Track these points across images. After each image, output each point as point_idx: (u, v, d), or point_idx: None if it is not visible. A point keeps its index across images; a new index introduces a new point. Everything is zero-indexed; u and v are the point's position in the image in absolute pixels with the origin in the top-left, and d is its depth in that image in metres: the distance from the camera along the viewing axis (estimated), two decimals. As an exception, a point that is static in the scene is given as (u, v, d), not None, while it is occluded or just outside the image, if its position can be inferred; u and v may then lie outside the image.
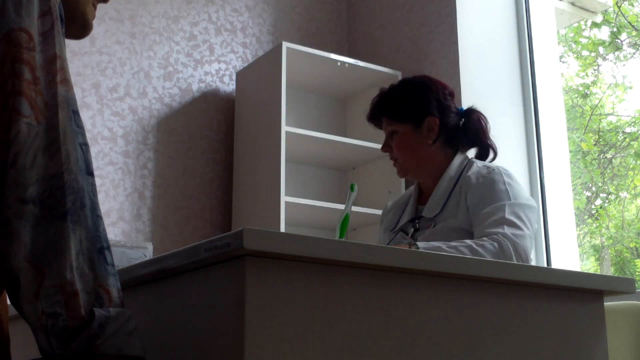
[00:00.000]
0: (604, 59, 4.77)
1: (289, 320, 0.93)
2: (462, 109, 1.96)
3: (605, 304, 1.28)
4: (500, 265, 1.20)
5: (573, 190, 3.82)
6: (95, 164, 3.02)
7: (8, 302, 1.05)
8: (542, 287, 1.19)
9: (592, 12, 4.23)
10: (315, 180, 3.42)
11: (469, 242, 1.62)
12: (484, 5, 3.24)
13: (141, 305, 1.16)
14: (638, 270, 4.65)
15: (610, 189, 4.70)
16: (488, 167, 1.83)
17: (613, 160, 4.67)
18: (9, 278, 0.89)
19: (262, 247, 0.91)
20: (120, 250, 1.69)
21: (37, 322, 0.87)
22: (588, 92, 4.85)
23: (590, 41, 4.70)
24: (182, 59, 3.33)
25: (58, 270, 0.88)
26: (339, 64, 3.23)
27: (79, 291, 0.88)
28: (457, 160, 1.89)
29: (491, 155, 1.95)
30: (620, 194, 4.71)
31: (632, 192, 4.66)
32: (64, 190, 0.91)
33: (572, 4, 4.07)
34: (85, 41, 3.10)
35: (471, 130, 1.93)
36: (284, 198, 2.87)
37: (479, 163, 1.87)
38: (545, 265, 2.96)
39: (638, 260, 4.68)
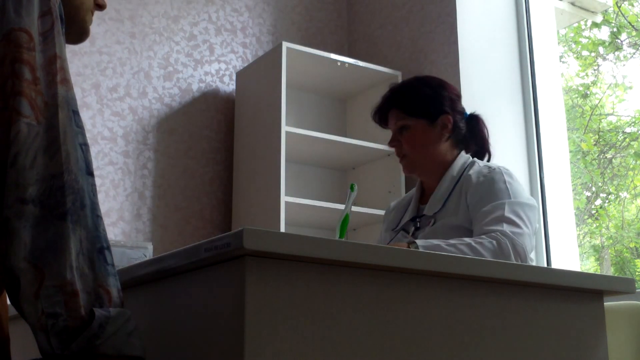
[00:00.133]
0: (604, 59, 4.77)
1: (289, 320, 0.93)
2: (466, 113, 1.99)
3: (605, 304, 1.28)
4: (500, 265, 1.20)
5: (573, 190, 3.82)
6: (95, 164, 3.02)
7: (8, 302, 1.05)
8: (542, 287, 1.20)
9: (592, 12, 4.23)
10: (315, 180, 3.42)
11: (467, 240, 1.62)
12: (484, 5, 3.24)
13: (141, 305, 1.16)
14: (638, 270, 4.65)
15: (610, 189, 4.70)
16: (489, 167, 1.84)
17: (613, 160, 4.67)
18: (9, 278, 0.89)
19: (262, 247, 0.91)
20: (120, 250, 1.69)
21: (37, 322, 0.87)
22: (588, 92, 4.85)
23: (590, 41, 4.70)
24: (182, 59, 3.33)
25: (58, 270, 0.88)
26: (339, 64, 3.23)
27: (79, 291, 0.88)
28: (460, 160, 1.90)
29: (486, 158, 1.97)
30: (620, 194, 4.71)
31: (632, 192, 4.66)
32: (64, 190, 0.91)
33: (572, 4, 4.07)
34: (85, 41, 3.09)
35: (477, 135, 1.97)
36: (284, 198, 2.87)
37: (480, 163, 1.88)
38: (545, 265, 2.96)
39: (638, 260, 4.68)
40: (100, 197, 3.00)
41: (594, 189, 4.76)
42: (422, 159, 1.90)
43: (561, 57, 4.62)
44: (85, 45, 3.10)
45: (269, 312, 0.92)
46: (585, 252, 4.73)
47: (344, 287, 0.99)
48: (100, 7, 1.20)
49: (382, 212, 2.15)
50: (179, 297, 1.07)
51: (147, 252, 1.73)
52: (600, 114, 4.80)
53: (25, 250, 0.87)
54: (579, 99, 4.86)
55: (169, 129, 3.23)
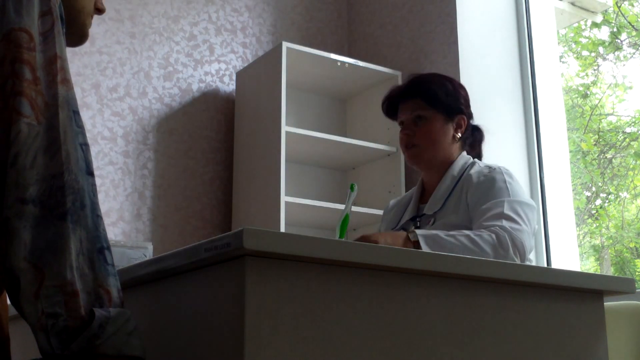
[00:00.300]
0: (604, 59, 4.77)
1: (289, 320, 0.93)
2: (472, 121, 2.02)
3: (605, 304, 1.28)
4: (500, 265, 1.20)
5: (573, 190, 3.82)
6: (95, 164, 3.02)
7: (8, 302, 1.05)
8: (542, 287, 1.20)
9: (592, 12, 4.23)
10: (315, 180, 3.42)
11: (466, 232, 1.63)
12: (484, 5, 3.24)
13: (141, 305, 1.16)
14: (638, 270, 4.65)
15: (610, 189, 4.70)
16: (490, 167, 1.86)
17: (613, 160, 4.67)
18: (9, 278, 0.88)
19: (262, 247, 0.91)
20: (120, 250, 1.69)
21: (37, 322, 0.87)
22: (588, 92, 4.85)
23: (590, 41, 4.70)
24: (182, 59, 3.33)
25: (58, 270, 0.88)
26: (339, 64, 3.23)
27: (79, 291, 0.88)
28: (461, 160, 1.91)
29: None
30: (620, 194, 4.71)
31: (632, 192, 4.66)
32: (64, 190, 0.91)
33: (572, 4, 4.07)
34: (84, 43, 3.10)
35: (475, 148, 2.01)
36: (284, 198, 2.87)
37: (480, 163, 1.90)
38: (545, 265, 2.96)
39: (638, 260, 4.68)
40: (100, 197, 3.00)
41: (594, 189, 4.76)
42: (431, 152, 1.90)
43: (561, 57, 4.62)
44: (85, 45, 3.09)
45: (269, 312, 0.92)
46: (585, 252, 4.73)
47: (344, 287, 0.99)
48: (100, 11, 1.20)
49: (382, 212, 2.15)
50: (179, 297, 1.07)
51: (147, 252, 1.73)
52: (600, 114, 4.80)
53: (25, 250, 0.87)
54: (579, 99, 4.86)
55: (169, 129, 3.23)
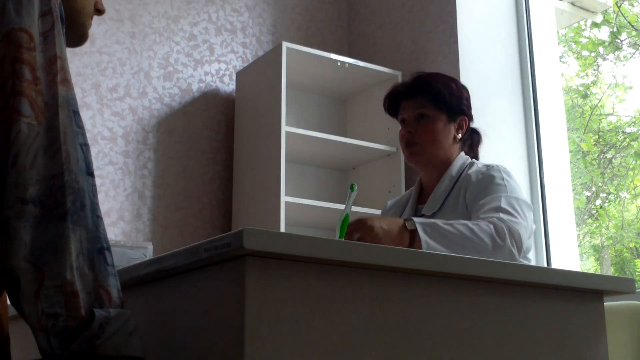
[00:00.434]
0: (604, 59, 4.77)
1: (289, 320, 0.93)
2: (472, 123, 2.03)
3: (605, 304, 1.28)
4: (500, 265, 1.20)
5: (573, 190, 3.82)
6: (95, 164, 3.02)
7: (8, 302, 1.05)
8: (542, 287, 1.19)
9: (592, 12, 4.23)
10: (315, 180, 3.42)
11: (464, 221, 1.63)
12: (484, 5, 3.24)
13: (141, 305, 1.16)
14: (638, 270, 4.65)
15: (610, 189, 4.70)
16: (488, 165, 1.86)
17: (613, 160, 4.67)
18: (9, 278, 0.88)
19: (262, 247, 0.91)
20: (120, 250, 1.69)
21: (37, 322, 0.87)
22: (588, 92, 4.85)
23: (590, 41, 4.70)
24: (182, 59, 3.33)
25: (58, 270, 0.88)
26: (339, 64, 3.23)
27: (79, 291, 0.88)
28: (460, 160, 1.92)
29: None
30: (620, 194, 4.71)
31: (632, 192, 4.66)
32: (64, 190, 0.91)
33: (572, 4, 4.07)
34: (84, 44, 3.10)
35: (472, 150, 2.01)
36: (284, 198, 2.87)
37: (479, 163, 1.90)
38: (545, 265, 2.96)
39: (638, 260, 4.68)
40: (100, 197, 3.00)
41: (594, 189, 4.76)
42: (432, 151, 1.90)
43: (561, 57, 4.62)
44: (85, 45, 3.09)
45: (269, 312, 0.92)
46: (585, 252, 4.73)
47: (344, 287, 0.99)
48: (100, 12, 1.21)
49: (381, 212, 2.15)
50: (179, 297, 1.07)
51: (147, 252, 1.73)
52: (600, 114, 4.80)
53: (25, 250, 0.87)
54: (579, 99, 4.86)
55: (169, 129, 3.23)
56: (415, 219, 1.59)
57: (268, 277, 0.93)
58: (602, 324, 1.26)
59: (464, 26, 3.15)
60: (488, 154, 2.98)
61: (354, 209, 2.92)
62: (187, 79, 3.32)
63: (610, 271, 4.68)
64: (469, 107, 1.97)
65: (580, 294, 1.24)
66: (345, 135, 3.43)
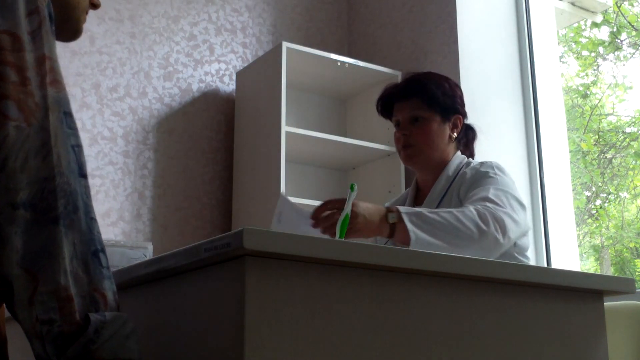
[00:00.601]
0: (604, 59, 4.77)
1: (289, 320, 0.93)
2: (466, 120, 2.02)
3: (605, 304, 1.28)
4: (500, 265, 1.20)
5: (573, 190, 3.82)
6: (95, 164, 3.03)
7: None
8: (542, 287, 1.19)
9: (592, 12, 4.23)
10: (315, 180, 3.42)
11: (449, 209, 1.62)
12: (484, 5, 3.24)
13: (141, 305, 1.16)
14: (638, 270, 4.65)
15: (610, 189, 4.70)
16: (481, 163, 1.87)
17: (613, 160, 4.67)
18: (3, 284, 0.87)
19: (262, 247, 0.91)
20: (120, 250, 1.69)
21: (31, 329, 0.86)
22: (588, 92, 4.85)
23: (590, 41, 4.70)
24: (182, 59, 3.33)
25: (52, 275, 0.86)
26: (339, 64, 3.23)
27: (74, 296, 0.87)
28: (456, 160, 1.92)
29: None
30: (620, 194, 4.71)
31: (632, 192, 4.66)
32: (55, 193, 0.89)
33: (572, 4, 4.07)
34: (85, 41, 3.10)
35: (468, 147, 2.01)
36: (284, 198, 2.87)
37: (474, 162, 1.90)
38: (545, 265, 2.96)
39: (638, 260, 4.68)
40: (100, 197, 3.00)
41: (594, 189, 4.77)
42: (428, 153, 1.90)
43: (561, 57, 4.62)
44: (85, 45, 3.10)
45: (269, 312, 0.92)
46: (585, 252, 4.73)
47: (344, 287, 0.99)
48: (95, 6, 1.19)
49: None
50: (179, 297, 1.07)
51: (147, 252, 1.72)
52: (600, 114, 4.80)
53: (17, 255, 0.86)
54: (579, 99, 4.86)
55: (169, 129, 3.23)
56: (402, 209, 1.58)
57: (268, 277, 0.93)
58: (602, 324, 1.26)
59: (464, 26, 3.15)
60: (488, 154, 2.98)
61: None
62: (187, 79, 3.33)
63: (610, 271, 4.68)
64: (463, 105, 1.96)
65: (580, 294, 1.24)
66: (345, 135, 3.43)
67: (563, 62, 4.74)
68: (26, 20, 0.93)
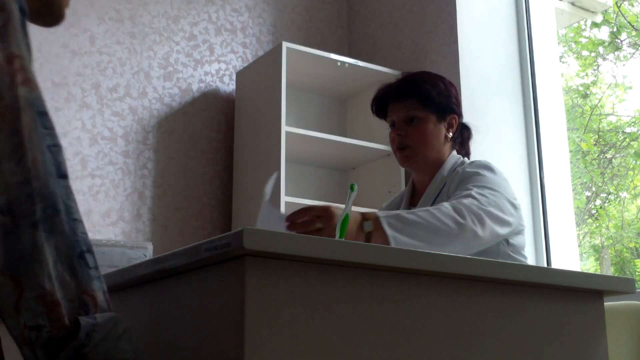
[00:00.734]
0: (604, 59, 4.77)
1: (289, 320, 0.93)
2: (462, 119, 2.00)
3: (605, 304, 1.28)
4: (500, 265, 1.20)
5: (573, 190, 3.82)
6: (95, 164, 3.03)
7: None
8: (542, 287, 1.19)
9: (592, 12, 4.23)
10: (315, 180, 3.42)
11: (426, 207, 1.61)
12: (484, 5, 3.24)
13: (141, 305, 1.16)
14: (638, 270, 4.65)
15: (610, 189, 4.70)
16: (471, 162, 1.86)
17: (613, 160, 4.67)
18: None
19: (262, 247, 0.91)
20: (120, 250, 1.69)
21: (20, 335, 0.85)
22: (588, 92, 4.85)
23: (590, 41, 4.70)
24: (182, 59, 3.33)
25: (36, 280, 0.85)
26: (339, 64, 3.23)
27: (60, 300, 0.86)
28: (451, 160, 1.91)
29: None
30: (620, 194, 4.71)
31: (632, 192, 4.66)
32: (33, 197, 0.87)
33: (572, 4, 4.07)
34: (85, 41, 3.10)
35: (464, 146, 1.99)
36: (284, 198, 2.87)
37: (467, 162, 1.89)
38: (545, 265, 2.96)
39: (638, 260, 4.68)
40: (100, 197, 3.00)
41: (594, 189, 4.76)
42: (424, 153, 1.89)
43: (561, 57, 4.62)
44: (85, 45, 3.10)
45: (269, 312, 0.92)
46: (585, 252, 4.73)
47: (344, 287, 0.99)
48: None
49: (382, 212, 2.15)
50: (179, 297, 1.07)
51: (147, 252, 1.72)
52: (600, 114, 4.80)
53: (0, 262, 0.84)
54: (579, 99, 4.86)
55: (169, 129, 3.23)
56: (380, 213, 1.57)
57: (268, 277, 0.93)
58: (602, 324, 1.26)
59: (464, 26, 3.15)
60: (489, 154, 2.98)
61: (354, 209, 2.92)
62: (187, 79, 3.33)
63: (610, 271, 4.68)
64: (458, 105, 1.95)
65: (580, 294, 1.24)
66: (345, 135, 3.43)
67: (563, 62, 4.74)
68: None
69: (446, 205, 1.60)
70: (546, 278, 1.21)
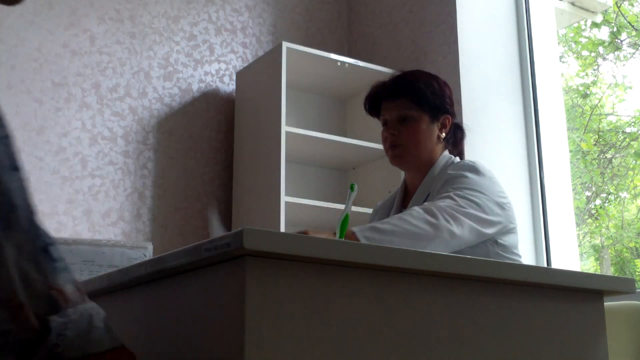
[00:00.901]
0: (604, 59, 4.77)
1: (289, 320, 0.93)
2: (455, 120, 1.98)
3: (605, 304, 1.28)
4: (500, 265, 1.20)
5: (573, 190, 3.82)
6: (95, 163, 3.03)
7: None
8: (542, 287, 1.19)
9: (592, 12, 4.23)
10: (315, 180, 3.42)
11: (399, 214, 1.60)
12: (484, 5, 3.24)
13: (141, 305, 1.16)
14: (638, 270, 4.65)
15: (610, 189, 4.70)
16: (457, 164, 1.84)
17: (613, 160, 4.67)
18: None
19: (262, 247, 0.91)
20: (120, 250, 1.69)
21: None
22: (588, 92, 4.85)
23: (590, 41, 4.70)
24: (182, 59, 3.33)
25: None
26: (339, 64, 3.23)
27: (25, 301, 0.81)
28: (443, 159, 1.89)
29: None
30: (620, 194, 4.71)
31: (632, 192, 4.66)
32: None
33: (572, 4, 4.07)
34: (85, 41, 3.10)
35: (457, 147, 1.97)
36: (284, 198, 2.87)
37: (455, 162, 1.87)
38: (545, 265, 2.96)
39: (638, 260, 4.68)
40: (100, 197, 3.00)
41: (594, 188, 4.77)
42: (416, 153, 1.88)
43: (561, 57, 4.62)
44: (85, 45, 3.10)
45: (269, 312, 0.92)
46: (585, 252, 4.73)
47: (344, 287, 0.99)
48: None
49: (382, 212, 2.15)
50: (179, 297, 1.07)
51: (147, 252, 1.72)
52: (600, 114, 4.80)
53: None
54: (579, 99, 4.86)
55: (169, 129, 3.23)
56: (355, 229, 1.56)
57: (268, 277, 0.93)
58: (602, 324, 1.26)
59: (464, 26, 3.15)
60: (489, 154, 2.98)
61: (354, 209, 2.92)
62: (187, 79, 3.33)
63: (610, 271, 4.68)
64: (452, 105, 1.93)
65: (580, 294, 1.24)
66: (345, 135, 3.43)
67: (563, 62, 4.74)
68: None
69: (417, 209, 1.59)
70: (546, 278, 1.21)
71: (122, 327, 1.18)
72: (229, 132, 3.35)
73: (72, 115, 3.02)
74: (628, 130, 4.65)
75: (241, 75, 3.35)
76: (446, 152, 1.92)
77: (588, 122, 4.73)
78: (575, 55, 4.87)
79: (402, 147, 1.88)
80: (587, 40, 4.73)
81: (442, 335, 1.06)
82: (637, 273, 4.64)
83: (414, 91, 1.88)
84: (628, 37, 4.49)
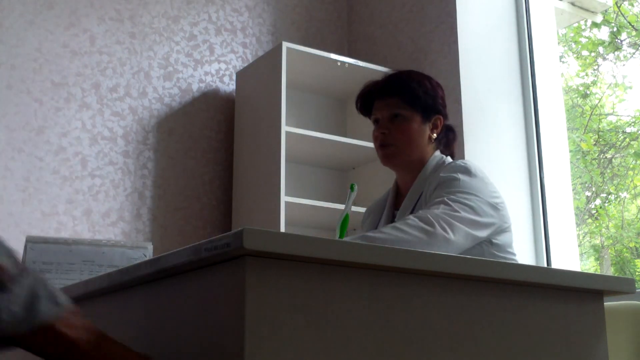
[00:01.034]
0: (604, 58, 4.77)
1: (289, 320, 0.93)
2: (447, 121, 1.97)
3: (605, 304, 1.28)
4: (500, 265, 1.20)
5: (573, 190, 3.82)
6: (95, 163, 3.03)
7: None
8: (542, 287, 1.19)
9: (592, 12, 4.23)
10: (315, 180, 3.42)
11: (392, 224, 1.59)
12: (484, 5, 3.24)
13: (141, 305, 1.16)
14: (638, 270, 4.65)
15: (610, 189, 4.70)
16: (448, 166, 1.81)
17: (613, 160, 4.67)
18: None
19: (262, 247, 0.91)
20: (120, 250, 1.69)
21: None
22: (588, 92, 4.85)
23: (590, 41, 4.70)
24: (182, 59, 3.33)
25: None
26: (339, 64, 3.23)
27: None
28: (434, 160, 1.88)
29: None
30: (620, 194, 4.71)
31: (632, 192, 4.66)
32: None
33: (572, 4, 4.07)
34: (85, 41, 3.10)
35: (448, 148, 1.95)
36: (284, 198, 2.87)
37: (447, 163, 1.86)
38: (545, 265, 2.96)
39: (638, 260, 4.68)
40: (100, 197, 3.00)
41: (594, 188, 4.77)
42: (407, 152, 1.86)
43: (561, 57, 4.62)
44: (85, 45, 3.10)
45: (269, 312, 0.92)
46: (585, 252, 4.73)
47: (344, 287, 0.99)
48: None
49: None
50: (179, 297, 1.07)
51: (147, 252, 1.72)
52: (600, 114, 4.80)
53: None
54: (579, 99, 4.86)
55: (169, 129, 3.24)
56: (347, 240, 1.55)
57: (268, 277, 0.93)
58: (602, 324, 1.26)
59: (464, 26, 3.15)
60: (489, 154, 2.98)
61: (354, 209, 2.92)
62: (187, 79, 3.33)
63: (610, 271, 4.69)
64: (444, 106, 1.92)
65: (580, 294, 1.24)
66: (345, 135, 3.43)
67: (563, 62, 4.74)
68: None
69: (412, 217, 1.58)
70: (546, 278, 1.21)
71: (122, 327, 1.18)
72: (229, 132, 3.35)
73: (72, 115, 3.02)
74: (628, 130, 4.65)
75: (241, 75, 3.35)
76: (437, 152, 1.90)
77: (588, 122, 4.73)
78: (575, 55, 4.87)
79: (393, 147, 1.87)
80: (587, 40, 4.73)
81: (442, 335, 1.06)
82: (637, 273, 4.64)
83: (406, 90, 1.88)
84: (628, 37, 4.49)
